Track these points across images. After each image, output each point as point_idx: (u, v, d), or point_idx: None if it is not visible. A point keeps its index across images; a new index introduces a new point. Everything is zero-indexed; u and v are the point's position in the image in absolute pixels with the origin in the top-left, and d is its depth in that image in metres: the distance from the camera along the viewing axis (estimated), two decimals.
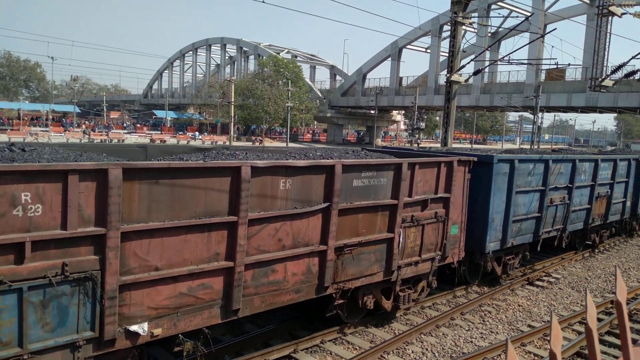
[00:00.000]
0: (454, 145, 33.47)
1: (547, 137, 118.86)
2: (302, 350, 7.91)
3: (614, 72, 23.97)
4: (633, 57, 21.04)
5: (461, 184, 9.49)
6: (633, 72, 22.95)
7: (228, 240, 6.06)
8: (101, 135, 60.22)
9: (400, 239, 8.24)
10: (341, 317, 8.20)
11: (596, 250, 16.03)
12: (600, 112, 56.11)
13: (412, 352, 8.15)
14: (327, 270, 7.23)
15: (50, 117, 75.19)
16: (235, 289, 6.17)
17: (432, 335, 8.91)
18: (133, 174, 5.19)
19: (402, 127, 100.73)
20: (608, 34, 26.63)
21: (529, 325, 9.59)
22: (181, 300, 5.76)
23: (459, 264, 10.48)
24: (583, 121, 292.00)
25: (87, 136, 56.80)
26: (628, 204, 16.76)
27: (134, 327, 5.38)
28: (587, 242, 15.58)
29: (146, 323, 5.49)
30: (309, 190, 6.88)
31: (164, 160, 6.27)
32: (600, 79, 25.96)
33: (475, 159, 9.76)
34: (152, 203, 5.36)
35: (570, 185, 13.10)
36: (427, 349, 8.31)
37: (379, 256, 8.08)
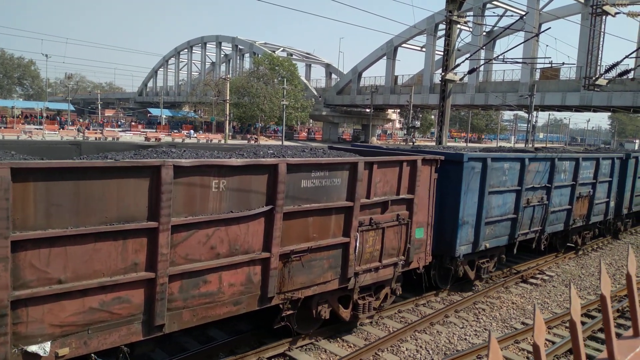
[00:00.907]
0: (449, 144, 33.68)
1: (541, 135, 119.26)
2: (296, 348, 7.94)
3: (607, 71, 24.09)
4: (626, 57, 21.15)
5: (427, 184, 8.94)
6: (626, 72, 23.07)
7: (148, 249, 5.42)
8: (95, 133, 59.96)
9: (357, 244, 7.67)
10: (292, 328, 7.60)
11: (580, 252, 15.54)
12: (595, 111, 56.28)
13: (407, 349, 8.20)
14: (271, 279, 6.63)
15: (45, 114, 74.90)
16: (158, 302, 5.53)
17: (426, 333, 8.95)
18: (26, 175, 4.58)
19: (398, 125, 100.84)
20: (602, 33, 26.75)
21: (523, 323, 9.64)
22: (92, 316, 5.14)
23: (428, 269, 10.05)
24: (577, 120, 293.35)
25: (81, 134, 56.59)
26: (612, 204, 16.18)
27: (32, 348, 4.81)
28: (569, 243, 15.08)
29: (49, 342, 4.89)
30: (248, 192, 6.28)
31: (94, 159, 5.69)
32: (594, 78, 26.07)
33: (443, 157, 9.22)
34: (52, 207, 4.75)
35: (549, 185, 12.52)
36: (421, 347, 8.36)
37: (333, 262, 7.49)
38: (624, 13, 25.35)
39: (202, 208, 5.82)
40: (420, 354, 8.09)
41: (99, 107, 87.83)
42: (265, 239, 6.56)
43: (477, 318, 9.84)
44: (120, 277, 5.26)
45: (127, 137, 60.34)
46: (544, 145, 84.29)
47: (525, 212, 11.82)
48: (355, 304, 8.32)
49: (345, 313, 8.29)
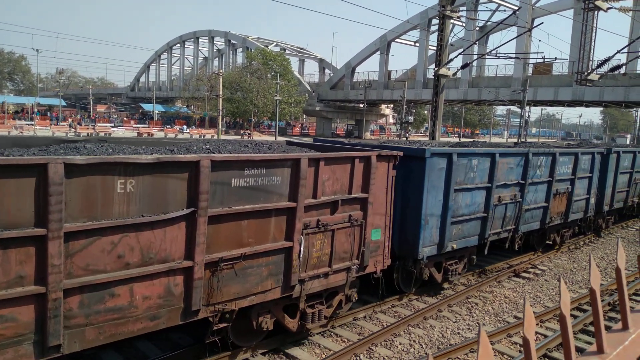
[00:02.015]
0: (443, 139, 33.69)
1: (534, 130, 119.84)
2: (290, 343, 7.94)
3: (599, 66, 24.15)
4: (618, 52, 21.19)
5: (384, 182, 8.26)
6: (618, 66, 23.16)
7: (36, 260, 4.74)
8: (88, 128, 59.60)
9: (302, 248, 7.02)
10: (227, 342, 7.00)
11: (557, 251, 15.04)
12: (587, 106, 56.45)
13: (400, 343, 8.23)
14: (195, 290, 5.93)
15: (36, 110, 74.38)
16: (52, 320, 4.85)
17: (419, 327, 8.98)
18: None
19: (391, 120, 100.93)
20: (594, 28, 26.88)
21: (515, 317, 9.71)
22: None
23: (390, 272, 9.55)
24: (570, 115, 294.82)
25: (73, 130, 56.24)
26: (592, 201, 15.48)
27: None
28: (547, 242, 14.50)
29: None
30: (163, 193, 5.54)
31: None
32: (586, 73, 26.16)
33: (402, 153, 8.54)
34: None
35: (523, 182, 11.84)
36: (414, 341, 8.39)
37: (274, 269, 6.83)
38: (615, 8, 25.47)
39: (105, 212, 5.10)
40: (414, 348, 8.13)
41: (91, 103, 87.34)
42: (188, 245, 5.84)
43: (470, 312, 9.90)
44: (2, 292, 4.59)
45: (120, 132, 60.02)
46: (537, 140, 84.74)
47: (497, 210, 11.17)
48: (303, 313, 7.65)
49: (292, 323, 7.60)
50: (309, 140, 12.29)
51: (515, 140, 64.02)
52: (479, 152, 10.49)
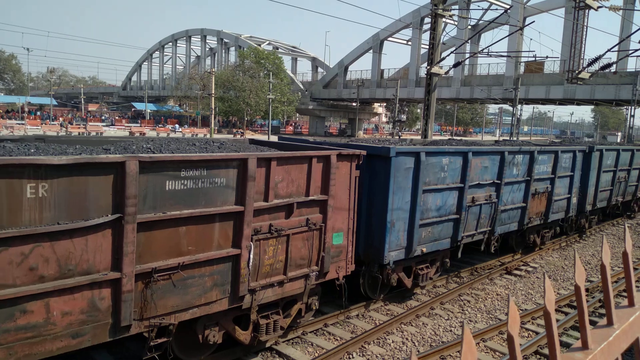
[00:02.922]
0: (436, 137, 33.78)
1: (526, 129, 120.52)
2: (283, 342, 7.94)
3: (590, 64, 24.24)
4: (608, 50, 21.27)
5: (346, 183, 7.81)
6: (609, 65, 23.29)
7: None
8: (79, 128, 59.22)
9: (252, 256, 6.54)
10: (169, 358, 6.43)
11: (539, 249, 14.72)
12: (578, 104, 56.76)
13: (393, 341, 8.24)
14: (125, 304, 5.39)
15: (27, 109, 73.86)
16: None
17: (412, 325, 9.01)
18: None
19: (384, 119, 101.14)
20: (585, 27, 27.06)
21: (507, 314, 9.75)
22: None
23: (357, 278, 9.16)
24: (561, 113, 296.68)
25: (64, 129, 55.85)
26: (574, 200, 15.00)
27: None
28: (527, 243, 14.02)
29: None
30: (83, 198, 5.02)
31: None
32: (577, 72, 26.30)
33: (365, 152, 8.08)
34: None
35: (499, 182, 11.33)
36: (407, 339, 8.41)
37: (219, 279, 6.32)
38: (606, 7, 25.62)
39: (12, 220, 4.58)
40: (407, 346, 8.15)
41: (82, 102, 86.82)
42: (115, 255, 5.31)
43: (463, 310, 9.94)
44: None
45: (111, 131, 59.69)
46: (529, 138, 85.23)
47: (470, 211, 10.70)
48: (256, 325, 7.18)
49: (244, 335, 7.10)
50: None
51: (507, 137, 64.37)
52: (449, 151, 9.97)
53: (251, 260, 6.57)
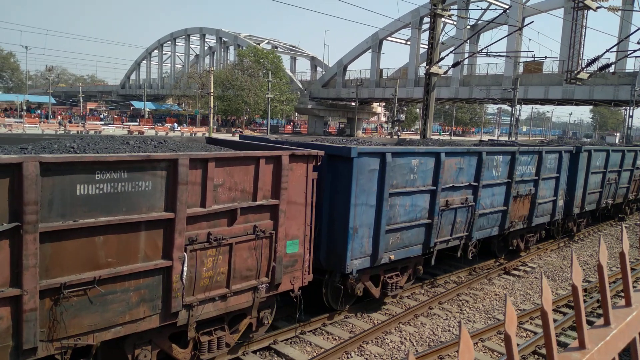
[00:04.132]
0: (435, 137, 33.80)
1: (525, 129, 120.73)
2: (281, 341, 7.94)
3: (589, 65, 24.37)
4: (607, 51, 21.39)
5: (301, 186, 7.19)
6: (607, 65, 23.37)
7: None
8: (77, 126, 59.15)
9: (185, 268, 5.90)
10: None
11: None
12: (577, 105, 56.93)
13: (391, 341, 8.25)
14: (27, 324, 4.79)
15: (25, 107, 73.80)
16: None
17: (410, 325, 9.01)
18: None
19: (383, 119, 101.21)
20: (584, 27, 27.15)
21: (504, 314, 9.77)
22: None
23: (319, 287, 8.57)
24: (560, 113, 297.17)
25: (63, 127, 55.79)
26: (560, 203, 14.28)
27: None
28: (510, 248, 13.42)
29: None
30: None
31: None
32: (576, 72, 26.40)
33: (323, 152, 7.44)
34: None
35: (476, 184, 10.63)
36: (405, 338, 8.42)
37: (147, 294, 5.67)
38: (604, 7, 25.70)
39: None
40: (405, 346, 8.16)
41: (81, 100, 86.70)
42: (13, 269, 4.71)
43: (461, 309, 9.94)
44: None
45: (110, 130, 59.63)
46: (527, 138, 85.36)
47: (444, 215, 10.02)
48: (197, 342, 6.59)
49: (183, 354, 6.51)
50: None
51: (506, 138, 64.44)
52: (419, 152, 9.32)
53: (185, 273, 5.93)
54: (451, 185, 10.05)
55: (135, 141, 7.06)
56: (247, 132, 66.59)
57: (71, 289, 5.07)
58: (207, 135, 56.34)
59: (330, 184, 8.19)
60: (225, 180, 6.28)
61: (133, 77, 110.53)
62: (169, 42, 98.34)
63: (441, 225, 10.01)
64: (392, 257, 9.05)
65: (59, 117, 72.75)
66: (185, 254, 5.88)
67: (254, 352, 7.56)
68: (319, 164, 7.37)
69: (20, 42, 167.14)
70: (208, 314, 6.41)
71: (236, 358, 7.37)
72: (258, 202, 6.64)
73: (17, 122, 59.70)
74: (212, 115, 60.28)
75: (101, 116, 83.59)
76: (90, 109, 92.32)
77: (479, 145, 13.25)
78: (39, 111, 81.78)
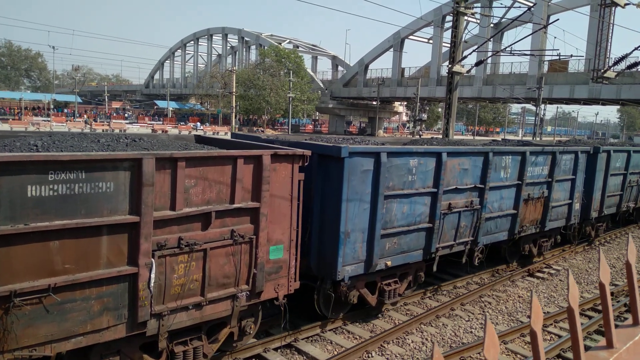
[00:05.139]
0: (457, 137, 33.46)
1: (549, 129, 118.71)
2: (302, 339, 7.99)
3: (616, 63, 23.84)
4: (636, 49, 20.86)
5: (286, 187, 6.79)
6: (636, 64, 22.81)
7: None
8: (103, 125, 60.23)
9: (153, 275, 5.58)
10: None
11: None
12: (603, 104, 55.66)
13: (412, 341, 8.23)
14: None
15: (52, 106, 75.50)
16: None
17: (432, 326, 8.97)
18: None
19: (405, 118, 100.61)
20: (611, 25, 26.52)
21: (528, 317, 9.64)
22: None
23: (311, 294, 8.25)
24: (586, 113, 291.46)
25: (89, 126, 56.90)
26: (577, 206, 13.59)
27: None
28: (522, 253, 12.81)
29: None
30: None
31: None
32: (602, 71, 25.84)
33: (310, 152, 6.99)
34: None
35: (482, 186, 10.13)
36: (426, 339, 8.38)
37: (111, 302, 5.37)
38: (633, 4, 25.09)
39: None
40: (426, 347, 8.12)
41: (106, 99, 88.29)
42: None
43: (483, 311, 9.84)
44: None
45: (134, 129, 60.59)
46: (552, 138, 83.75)
47: (447, 219, 9.53)
48: (171, 353, 6.28)
49: None
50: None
51: (530, 138, 63.41)
52: (418, 152, 8.80)
53: (152, 280, 5.59)
54: (454, 187, 9.58)
55: (107, 139, 6.77)
56: (269, 131, 66.91)
57: (23, 297, 4.78)
58: (229, 133, 56.90)
59: (320, 186, 7.83)
60: (199, 182, 5.91)
61: (157, 76, 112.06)
62: (192, 42, 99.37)
63: (443, 229, 9.53)
64: (389, 263, 8.61)
65: (85, 115, 74.22)
66: (152, 260, 5.56)
67: (275, 349, 7.60)
68: (305, 164, 6.95)
69: (48, 42, 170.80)
70: (181, 324, 6.07)
71: (257, 355, 7.42)
72: (236, 205, 6.27)
73: (45, 120, 61.10)
74: (234, 114, 60.70)
75: (126, 115, 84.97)
76: (116, 108, 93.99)
77: (489, 145, 12.85)
78: (65, 110, 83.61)
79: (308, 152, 6.91)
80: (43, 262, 4.87)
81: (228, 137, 11.17)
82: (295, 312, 8.33)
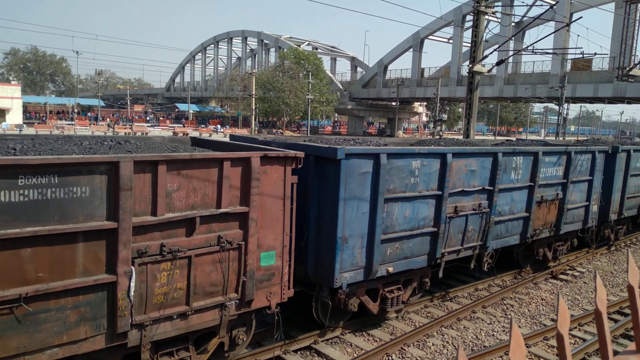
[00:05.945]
0: (478, 137, 32.92)
1: (573, 128, 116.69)
2: (322, 341, 7.96)
3: None
4: None
5: (278, 191, 6.47)
6: None
7: None
8: (125, 128, 61.23)
9: (133, 284, 5.34)
10: None
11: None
12: (629, 103, 54.48)
13: (433, 344, 8.13)
14: None
15: (76, 110, 77.11)
16: None
17: (453, 328, 8.85)
18: None
19: (425, 118, 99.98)
20: (636, 21, 25.96)
21: (552, 319, 9.46)
22: None
23: (309, 301, 7.94)
24: (610, 112, 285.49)
25: (112, 129, 57.93)
26: (594, 208, 12.99)
27: None
28: (536, 257, 12.25)
29: None
30: None
31: None
32: (628, 69, 25.28)
33: (303, 153, 6.63)
34: None
35: (491, 188, 9.63)
36: (447, 342, 8.27)
37: (89, 313, 5.14)
38: None
39: None
40: (447, 349, 8.02)
41: (129, 103, 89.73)
42: None
43: (505, 314, 9.68)
44: None
45: (156, 132, 61.42)
46: (575, 138, 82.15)
47: (453, 223, 9.04)
48: None
49: None
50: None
51: (552, 137, 62.39)
52: (421, 153, 8.34)
53: (132, 289, 5.34)
54: (460, 189, 9.09)
55: (91, 142, 6.54)
56: (288, 133, 67.12)
57: None
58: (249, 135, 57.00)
59: (317, 189, 7.48)
60: (182, 186, 5.62)
61: (178, 80, 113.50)
62: (212, 46, 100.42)
63: (449, 233, 9.04)
64: (391, 269, 8.20)
65: (108, 119, 75.59)
66: (132, 267, 5.31)
67: (295, 351, 7.58)
68: (299, 166, 6.62)
69: (72, 47, 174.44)
70: (165, 334, 5.79)
71: (277, 357, 7.42)
72: (223, 210, 5.96)
73: (69, 124, 62.37)
74: (254, 116, 61.11)
75: (147, 118, 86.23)
76: (137, 111, 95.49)
77: (501, 145, 12.40)
78: (89, 114, 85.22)
79: (301, 154, 6.59)
80: (14, 270, 4.66)
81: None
82: (294, 320, 8.20)
